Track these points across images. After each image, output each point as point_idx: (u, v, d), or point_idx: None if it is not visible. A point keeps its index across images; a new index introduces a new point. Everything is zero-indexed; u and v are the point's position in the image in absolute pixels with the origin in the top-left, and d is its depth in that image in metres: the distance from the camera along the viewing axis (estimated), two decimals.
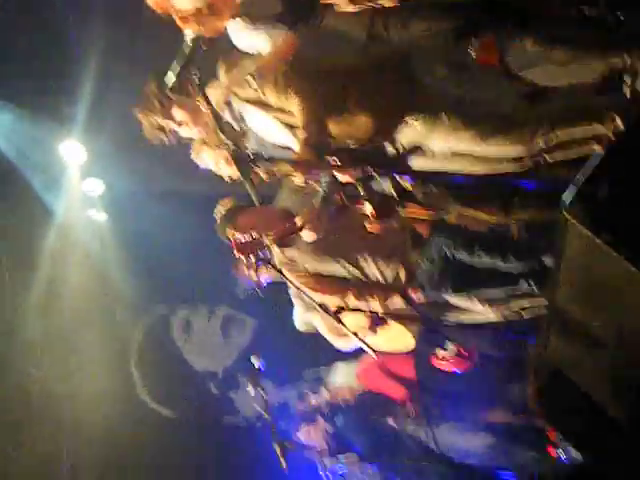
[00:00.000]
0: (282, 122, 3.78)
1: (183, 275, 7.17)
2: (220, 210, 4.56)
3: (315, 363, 6.60)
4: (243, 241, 3.97)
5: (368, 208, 4.00)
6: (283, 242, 4.20)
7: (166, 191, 6.76)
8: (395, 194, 4.07)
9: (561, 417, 2.46)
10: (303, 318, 5.34)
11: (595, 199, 1.88)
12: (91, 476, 6.99)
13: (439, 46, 4.03)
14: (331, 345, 5.06)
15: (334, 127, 3.70)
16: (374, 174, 3.63)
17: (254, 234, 4.32)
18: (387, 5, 3.89)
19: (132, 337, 7.66)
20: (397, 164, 3.87)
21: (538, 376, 2.44)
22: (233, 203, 4.58)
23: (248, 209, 4.53)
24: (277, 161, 3.69)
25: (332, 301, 4.37)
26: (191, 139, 4.20)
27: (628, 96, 4.04)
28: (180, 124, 3.95)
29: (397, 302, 4.59)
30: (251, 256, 3.70)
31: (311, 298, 3.85)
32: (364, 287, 4.57)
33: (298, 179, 3.71)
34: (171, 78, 3.00)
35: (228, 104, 3.85)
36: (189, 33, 3.48)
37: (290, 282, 4.01)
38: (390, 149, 3.85)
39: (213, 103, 3.63)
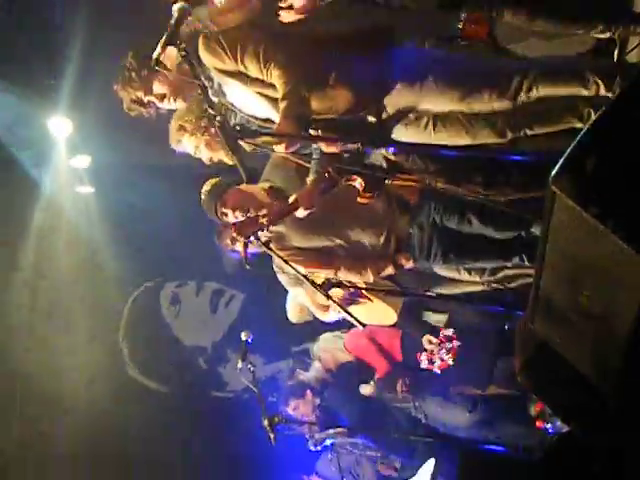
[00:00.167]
0: (263, 95, 3.76)
1: (171, 249, 7.17)
2: (205, 187, 4.55)
3: (303, 338, 6.62)
4: (241, 221, 3.97)
5: (358, 182, 4.00)
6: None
7: (154, 165, 6.73)
8: (385, 165, 4.07)
9: (548, 390, 2.46)
10: (294, 307, 5.37)
11: (583, 171, 1.87)
12: (78, 451, 7.00)
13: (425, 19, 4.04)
14: (318, 320, 5.08)
15: (315, 101, 3.68)
16: (359, 146, 3.62)
17: (250, 213, 4.33)
18: None
19: (120, 312, 7.66)
20: (381, 135, 3.86)
21: (524, 349, 2.45)
22: (219, 181, 4.57)
23: (235, 186, 4.52)
24: (260, 134, 3.67)
25: (321, 274, 4.38)
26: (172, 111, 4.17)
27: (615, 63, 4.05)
28: (162, 98, 3.92)
29: (389, 271, 4.60)
30: (251, 237, 3.72)
31: (296, 270, 3.84)
32: (355, 260, 4.57)
33: (281, 150, 3.68)
34: (157, 50, 2.96)
35: (209, 79, 3.82)
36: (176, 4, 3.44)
37: (277, 256, 4.00)
38: (374, 119, 3.83)
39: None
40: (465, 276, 4.60)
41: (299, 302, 5.16)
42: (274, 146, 3.74)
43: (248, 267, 3.75)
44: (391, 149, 3.97)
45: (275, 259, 4.40)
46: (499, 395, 5.52)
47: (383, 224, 4.55)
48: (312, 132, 3.73)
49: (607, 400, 2.11)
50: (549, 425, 5.08)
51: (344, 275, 4.53)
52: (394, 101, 3.81)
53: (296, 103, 3.58)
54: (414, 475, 4.67)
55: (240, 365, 4.43)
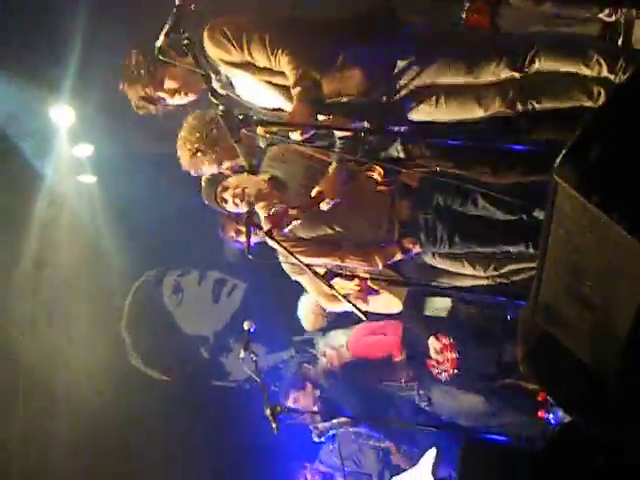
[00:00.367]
0: (272, 84, 3.74)
1: (174, 239, 7.16)
2: (206, 176, 4.53)
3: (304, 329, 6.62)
4: (274, 214, 3.98)
5: (376, 171, 4.00)
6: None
7: (156, 154, 6.71)
8: (404, 155, 4.07)
9: (550, 379, 2.46)
10: (307, 315, 5.38)
11: (586, 161, 1.87)
12: (82, 441, 7.01)
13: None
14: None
15: (325, 85, 3.65)
16: (369, 127, 3.63)
17: (251, 200, 4.31)
18: None
19: (123, 301, 7.66)
20: (394, 116, 3.86)
21: (527, 338, 2.45)
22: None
23: (234, 175, 4.50)
24: (266, 123, 3.66)
25: (326, 263, 4.38)
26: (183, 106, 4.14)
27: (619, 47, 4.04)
28: (173, 93, 3.89)
29: (398, 257, 4.58)
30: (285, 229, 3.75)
31: (300, 261, 3.84)
32: (361, 248, 4.56)
33: (297, 138, 3.64)
34: (160, 38, 2.94)
35: (216, 72, 3.80)
36: None
37: (281, 247, 3.99)
38: (384, 100, 3.82)
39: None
40: (469, 270, 4.59)
41: (312, 310, 5.17)
42: (290, 134, 3.69)
43: (250, 257, 3.74)
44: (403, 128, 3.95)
45: (279, 250, 4.40)
46: (503, 385, 5.53)
47: (384, 211, 4.53)
48: (321, 117, 3.70)
49: (608, 390, 2.11)
50: (551, 415, 5.09)
51: (351, 264, 4.52)
52: (403, 81, 3.80)
53: (310, 87, 3.53)
54: (416, 464, 4.68)
55: (242, 354, 4.43)
